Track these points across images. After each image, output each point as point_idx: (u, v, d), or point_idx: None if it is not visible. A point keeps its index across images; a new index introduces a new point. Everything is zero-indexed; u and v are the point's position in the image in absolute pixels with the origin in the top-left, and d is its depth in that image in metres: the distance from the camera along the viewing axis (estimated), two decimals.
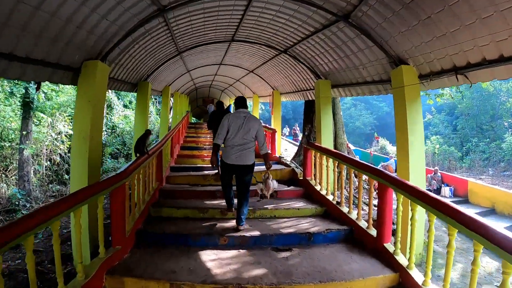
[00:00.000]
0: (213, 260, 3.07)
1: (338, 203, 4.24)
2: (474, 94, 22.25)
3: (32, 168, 9.50)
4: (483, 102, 22.68)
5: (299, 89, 8.41)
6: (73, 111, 8.29)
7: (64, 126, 10.68)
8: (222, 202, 4.37)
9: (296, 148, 13.03)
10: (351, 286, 2.70)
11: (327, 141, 6.35)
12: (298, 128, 20.55)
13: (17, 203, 8.21)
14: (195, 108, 22.48)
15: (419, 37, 3.55)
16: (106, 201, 3.72)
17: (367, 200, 6.72)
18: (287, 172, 6.14)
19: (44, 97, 11.06)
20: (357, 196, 5.03)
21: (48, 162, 10.15)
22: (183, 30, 5.49)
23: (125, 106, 15.86)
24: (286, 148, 13.88)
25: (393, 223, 3.79)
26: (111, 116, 14.24)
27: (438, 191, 11.38)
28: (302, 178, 5.56)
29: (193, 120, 22.37)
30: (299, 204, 4.62)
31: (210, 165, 4.06)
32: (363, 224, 3.61)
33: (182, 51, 6.84)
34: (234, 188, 3.89)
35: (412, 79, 4.03)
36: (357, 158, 10.37)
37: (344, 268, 2.95)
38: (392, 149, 20.05)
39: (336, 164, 4.47)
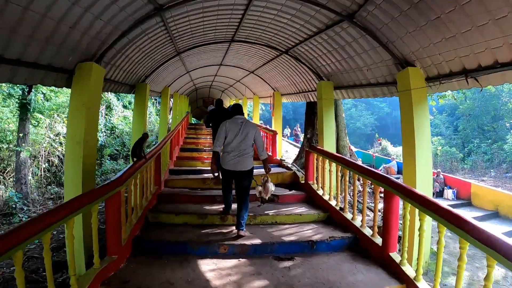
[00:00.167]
0: (213, 270, 2.98)
1: (341, 208, 4.12)
2: (476, 95, 22.12)
3: (30, 170, 9.38)
4: (485, 102, 22.56)
5: (300, 91, 8.29)
6: None
7: (63, 128, 10.59)
8: (222, 207, 4.30)
9: (297, 149, 12.94)
10: None
11: (329, 144, 6.23)
12: (299, 129, 20.42)
13: (14, 206, 8.09)
14: (195, 108, 22.48)
15: (427, 38, 3.42)
16: (102, 204, 3.60)
17: (371, 204, 6.67)
18: (289, 176, 6.02)
19: (43, 98, 10.97)
20: (361, 201, 4.92)
21: (46, 164, 10.04)
22: (182, 30, 5.37)
23: (124, 106, 15.74)
24: (287, 150, 13.78)
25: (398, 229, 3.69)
26: (110, 117, 14.14)
27: (440, 193, 11.25)
28: (304, 182, 5.46)
29: (193, 121, 22.30)
30: (301, 209, 4.52)
31: (210, 168, 4.06)
32: (367, 231, 3.51)
33: (181, 51, 6.72)
34: (234, 192, 3.89)
35: (419, 82, 3.91)
36: (359, 161, 10.31)
37: (349, 279, 2.85)
38: (393, 150, 19.95)
39: (340, 169, 4.36)
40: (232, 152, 3.66)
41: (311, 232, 3.77)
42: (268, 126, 10.12)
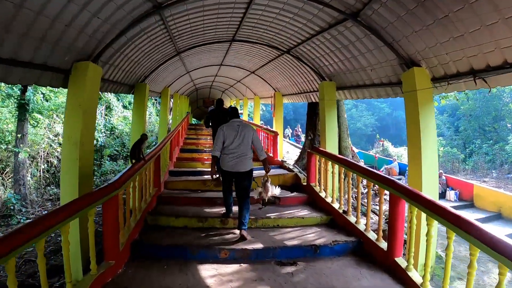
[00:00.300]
0: (213, 276, 2.90)
1: (344, 211, 4.04)
2: (477, 95, 21.98)
3: (29, 171, 9.29)
4: (486, 103, 22.41)
5: (302, 91, 8.20)
6: None
7: (62, 128, 10.49)
8: (223, 210, 4.25)
9: (298, 150, 12.84)
10: None
11: (331, 145, 6.14)
12: (300, 129, 20.31)
13: (12, 207, 8.00)
14: (196, 109, 22.43)
15: (434, 37, 3.33)
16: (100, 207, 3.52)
17: (375, 207, 6.55)
18: (290, 177, 5.94)
19: (43, 98, 10.88)
20: (365, 204, 4.81)
21: (45, 165, 9.95)
22: (182, 29, 5.28)
23: (124, 107, 15.65)
24: (288, 151, 13.67)
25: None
26: (110, 117, 14.05)
27: (443, 194, 11.13)
28: (305, 183, 5.38)
29: (194, 121, 22.23)
30: (304, 212, 4.45)
31: (210, 170, 4.08)
32: (372, 236, 3.42)
33: (181, 51, 6.63)
34: (234, 194, 3.89)
35: (425, 82, 3.81)
36: (362, 162, 10.20)
37: (354, 285, 2.78)
38: (394, 150, 19.85)
39: (342, 170, 4.27)
40: (231, 154, 3.72)
41: (314, 236, 3.70)
42: (269, 127, 10.04)
